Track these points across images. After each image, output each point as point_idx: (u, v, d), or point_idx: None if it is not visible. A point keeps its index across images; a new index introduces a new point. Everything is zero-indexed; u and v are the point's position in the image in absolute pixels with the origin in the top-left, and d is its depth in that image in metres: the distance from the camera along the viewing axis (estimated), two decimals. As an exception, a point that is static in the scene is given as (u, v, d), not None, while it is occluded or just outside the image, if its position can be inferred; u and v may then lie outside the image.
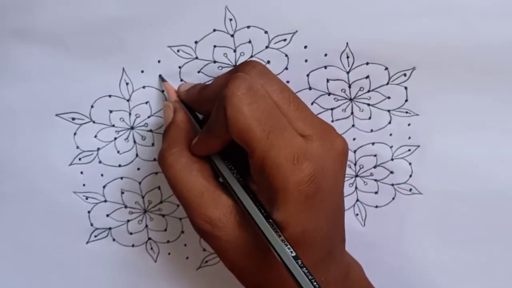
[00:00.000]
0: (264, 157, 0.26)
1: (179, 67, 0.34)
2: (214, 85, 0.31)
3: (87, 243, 0.36)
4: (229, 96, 0.26)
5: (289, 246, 0.26)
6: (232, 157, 0.29)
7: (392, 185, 0.36)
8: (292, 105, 0.28)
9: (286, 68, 0.34)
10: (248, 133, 0.26)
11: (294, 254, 0.26)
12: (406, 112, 0.35)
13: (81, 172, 0.35)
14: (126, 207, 0.36)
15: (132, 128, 0.35)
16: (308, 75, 0.34)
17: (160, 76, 0.34)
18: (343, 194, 0.30)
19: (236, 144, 0.27)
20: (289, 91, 0.29)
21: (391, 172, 0.36)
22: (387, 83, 0.34)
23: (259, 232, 0.27)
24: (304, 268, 0.25)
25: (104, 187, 0.36)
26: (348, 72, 0.34)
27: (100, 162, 0.35)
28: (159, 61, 0.33)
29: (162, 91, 0.34)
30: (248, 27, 0.33)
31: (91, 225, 0.36)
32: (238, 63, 0.34)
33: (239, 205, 0.28)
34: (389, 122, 0.35)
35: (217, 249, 0.29)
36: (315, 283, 0.25)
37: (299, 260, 0.25)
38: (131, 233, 0.36)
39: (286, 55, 0.34)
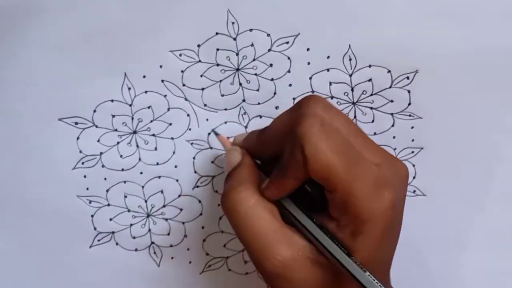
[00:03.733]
0: (347, 190, 0.26)
1: (182, 71, 0.34)
2: (275, 127, 0.30)
3: (90, 247, 0.36)
4: (305, 135, 0.26)
5: (377, 282, 0.25)
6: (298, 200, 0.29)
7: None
8: (359, 137, 0.28)
9: (289, 71, 0.34)
10: (329, 169, 0.26)
11: None
12: (410, 115, 0.35)
13: (85, 176, 0.35)
14: (129, 211, 0.36)
15: (134, 132, 0.35)
16: (310, 78, 0.34)
17: (213, 131, 0.34)
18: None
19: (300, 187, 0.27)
20: (353, 123, 0.29)
21: (395, 175, 0.36)
22: (390, 87, 0.34)
23: (340, 270, 0.26)
24: None
25: (107, 191, 0.36)
26: (350, 75, 0.34)
27: (103, 166, 0.35)
28: (161, 66, 0.33)
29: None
30: (251, 30, 0.33)
31: (95, 229, 0.36)
32: (241, 66, 0.34)
33: (314, 245, 0.27)
34: (392, 125, 0.35)
35: None
36: None
37: None
38: (134, 237, 0.36)
39: (289, 58, 0.34)
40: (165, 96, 0.34)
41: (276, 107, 0.34)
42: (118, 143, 0.35)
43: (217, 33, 0.33)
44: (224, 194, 0.29)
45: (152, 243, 0.37)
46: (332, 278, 0.27)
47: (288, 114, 0.29)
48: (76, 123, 0.34)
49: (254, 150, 0.31)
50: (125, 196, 0.36)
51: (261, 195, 0.28)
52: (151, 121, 0.35)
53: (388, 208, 0.26)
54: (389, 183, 0.27)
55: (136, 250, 0.37)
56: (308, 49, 0.33)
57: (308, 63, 0.34)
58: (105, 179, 0.35)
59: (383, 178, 0.27)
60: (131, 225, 0.36)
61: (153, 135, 0.35)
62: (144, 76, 0.34)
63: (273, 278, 0.27)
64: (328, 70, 0.34)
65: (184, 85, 0.34)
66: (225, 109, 0.35)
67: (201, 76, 0.34)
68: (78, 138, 0.34)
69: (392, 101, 0.34)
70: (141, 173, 0.35)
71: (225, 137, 0.34)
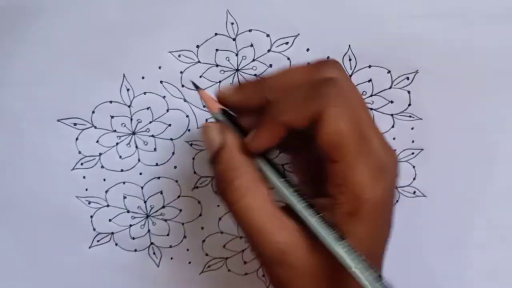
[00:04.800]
0: (352, 164, 0.25)
1: (181, 72, 0.33)
2: (289, 76, 0.28)
3: (89, 247, 0.36)
4: (331, 97, 0.25)
5: (371, 269, 0.25)
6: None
7: (396, 188, 0.36)
8: (369, 116, 0.28)
9: (288, 72, 0.34)
10: (341, 135, 0.25)
11: (376, 275, 0.25)
12: (410, 116, 0.35)
13: (84, 177, 0.35)
14: (128, 211, 0.36)
15: (133, 133, 0.35)
16: (310, 79, 0.34)
17: (193, 82, 0.31)
18: None
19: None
20: (364, 101, 0.29)
21: (395, 176, 0.36)
22: (390, 87, 0.34)
23: (333, 256, 0.26)
24: None
25: (106, 191, 0.36)
26: (350, 75, 0.34)
27: (102, 167, 0.35)
28: (160, 67, 0.33)
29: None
30: (250, 30, 0.33)
31: (94, 229, 0.36)
32: (241, 66, 0.34)
33: (306, 227, 0.27)
34: (392, 126, 0.35)
35: (286, 278, 0.27)
36: None
37: (382, 281, 0.25)
38: (133, 238, 0.36)
39: (288, 58, 0.33)
40: (164, 97, 0.34)
41: (276, 108, 0.34)
42: (117, 144, 0.35)
43: (216, 34, 0.33)
44: (217, 184, 0.28)
45: (152, 243, 0.37)
46: (328, 263, 0.27)
47: (307, 69, 0.28)
48: (75, 124, 0.34)
49: (246, 101, 0.29)
50: (125, 197, 0.36)
51: (244, 148, 0.27)
52: (150, 122, 0.35)
53: (386, 192, 0.26)
54: (388, 168, 0.27)
55: (135, 250, 0.37)
56: (308, 50, 0.33)
57: (308, 64, 0.33)
58: (104, 180, 0.35)
59: (384, 162, 0.27)
60: (131, 225, 0.36)
61: (152, 136, 0.35)
62: (143, 77, 0.34)
63: (272, 265, 0.27)
64: (328, 70, 0.34)
65: (183, 86, 0.34)
66: (225, 110, 0.35)
67: (200, 76, 0.34)
68: (77, 139, 0.34)
69: (392, 101, 0.34)
70: (140, 173, 0.35)
71: (206, 92, 0.29)
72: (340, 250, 0.25)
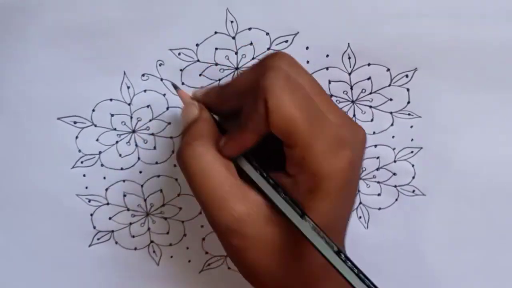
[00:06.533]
0: (307, 146, 0.26)
1: (181, 70, 0.34)
2: (238, 81, 0.30)
3: (89, 246, 0.36)
4: (270, 86, 0.26)
5: (331, 242, 0.25)
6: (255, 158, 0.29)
7: (395, 186, 0.36)
8: (323, 96, 0.28)
9: (288, 70, 0.34)
10: (291, 123, 0.26)
11: (336, 249, 0.25)
12: (409, 114, 0.35)
13: (84, 175, 0.35)
14: (128, 210, 0.36)
15: (133, 131, 0.35)
16: (310, 77, 0.34)
17: (172, 83, 0.33)
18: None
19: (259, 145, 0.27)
20: (318, 83, 0.29)
21: (394, 174, 0.36)
22: (389, 85, 0.34)
23: (293, 230, 0.26)
24: (348, 262, 0.25)
25: (106, 190, 0.36)
26: (350, 73, 0.34)
27: (102, 165, 0.35)
28: (160, 65, 0.33)
29: (164, 95, 0.34)
30: (250, 29, 0.33)
31: (94, 227, 0.36)
32: (240, 65, 0.34)
33: (269, 202, 0.27)
34: (392, 124, 0.35)
35: (241, 249, 0.27)
36: (362, 276, 0.25)
37: (342, 254, 0.25)
38: (133, 236, 0.36)
39: (288, 57, 0.34)
40: (164, 95, 0.34)
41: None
42: (117, 142, 0.35)
43: (216, 32, 0.33)
44: (179, 149, 0.28)
45: (152, 242, 0.37)
46: (287, 236, 0.27)
47: (252, 69, 0.29)
48: (75, 122, 0.34)
49: (214, 105, 0.30)
50: (124, 195, 0.36)
51: (219, 153, 0.28)
52: (150, 120, 0.35)
53: (346, 166, 0.26)
54: (348, 143, 0.27)
55: (135, 249, 0.37)
56: (307, 48, 0.33)
57: (308, 62, 0.34)
58: (104, 178, 0.35)
59: (343, 137, 0.27)
60: (131, 224, 0.36)
61: (152, 134, 0.35)
62: (143, 75, 0.34)
63: (227, 234, 0.27)
64: (327, 68, 0.34)
65: (183, 84, 0.34)
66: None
67: (200, 75, 0.34)
68: (77, 137, 0.35)
69: (391, 99, 0.34)
70: (140, 172, 0.35)
71: (184, 91, 0.32)
72: (303, 225, 0.26)
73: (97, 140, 0.35)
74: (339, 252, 0.25)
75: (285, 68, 0.27)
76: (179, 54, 0.33)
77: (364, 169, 0.36)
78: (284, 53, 0.28)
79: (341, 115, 0.28)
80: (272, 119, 0.26)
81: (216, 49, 0.33)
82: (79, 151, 0.35)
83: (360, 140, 0.29)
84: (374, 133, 0.35)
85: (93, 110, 0.34)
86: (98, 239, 0.36)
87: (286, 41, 0.33)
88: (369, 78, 0.34)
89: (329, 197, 0.26)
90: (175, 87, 0.33)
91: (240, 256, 0.28)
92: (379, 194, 0.36)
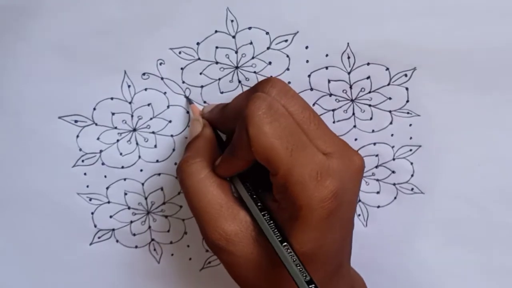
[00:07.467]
0: (287, 174, 0.26)
1: (181, 68, 0.34)
2: (233, 104, 0.31)
3: (90, 244, 0.36)
4: (250, 116, 0.26)
5: (304, 271, 0.26)
6: (253, 177, 0.30)
7: (394, 184, 0.36)
8: (313, 124, 0.28)
9: (288, 69, 0.34)
10: (271, 152, 0.26)
11: (308, 278, 0.25)
12: (407, 113, 0.35)
13: (85, 174, 0.35)
14: (129, 208, 0.36)
15: (134, 130, 0.35)
16: (309, 76, 0.34)
17: (186, 97, 0.34)
18: (356, 209, 0.30)
19: (258, 164, 0.27)
20: (310, 109, 0.29)
21: (393, 172, 0.36)
22: (388, 84, 0.34)
23: (274, 253, 0.27)
24: None
25: (107, 188, 0.36)
26: (349, 73, 0.34)
27: (103, 163, 0.35)
28: (161, 63, 0.33)
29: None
30: (250, 28, 0.33)
31: (95, 226, 0.36)
32: (240, 64, 0.34)
33: (255, 224, 0.28)
34: (391, 123, 0.35)
35: (229, 264, 0.28)
36: None
37: (313, 285, 0.25)
38: (134, 234, 0.37)
39: (288, 56, 0.34)
40: (164, 93, 0.34)
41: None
42: (118, 140, 0.35)
43: (216, 31, 0.33)
44: (178, 164, 0.30)
45: (152, 240, 0.37)
46: (272, 257, 0.27)
47: (246, 93, 0.30)
48: (76, 121, 0.34)
49: (217, 124, 0.32)
50: (125, 194, 0.36)
51: (213, 171, 0.29)
52: (151, 119, 0.35)
53: (328, 197, 0.26)
54: (333, 173, 0.27)
55: (136, 247, 0.37)
56: (307, 47, 0.33)
57: (307, 61, 0.34)
58: (105, 176, 0.35)
59: (327, 167, 0.27)
60: (131, 222, 0.36)
61: (153, 132, 0.35)
62: (143, 74, 0.34)
63: (215, 250, 0.28)
64: (327, 68, 0.34)
65: (183, 82, 0.34)
66: (225, 107, 0.35)
67: (200, 74, 0.34)
68: (78, 136, 0.35)
69: (390, 98, 0.34)
70: (141, 170, 0.36)
71: (196, 106, 0.34)
72: (281, 251, 0.26)
73: (98, 138, 0.35)
74: (311, 282, 0.25)
75: (273, 96, 0.27)
76: (180, 52, 0.33)
77: (363, 167, 0.36)
78: (277, 79, 0.29)
79: (334, 143, 0.28)
80: (253, 148, 0.26)
81: (217, 48, 0.33)
82: (80, 149, 0.35)
83: (354, 170, 0.28)
84: (373, 131, 0.35)
85: (94, 109, 0.34)
86: (99, 237, 0.36)
87: (286, 41, 0.33)
88: (368, 77, 0.34)
89: (309, 227, 0.26)
90: (190, 101, 0.34)
91: (228, 269, 0.29)
92: (378, 192, 0.37)
